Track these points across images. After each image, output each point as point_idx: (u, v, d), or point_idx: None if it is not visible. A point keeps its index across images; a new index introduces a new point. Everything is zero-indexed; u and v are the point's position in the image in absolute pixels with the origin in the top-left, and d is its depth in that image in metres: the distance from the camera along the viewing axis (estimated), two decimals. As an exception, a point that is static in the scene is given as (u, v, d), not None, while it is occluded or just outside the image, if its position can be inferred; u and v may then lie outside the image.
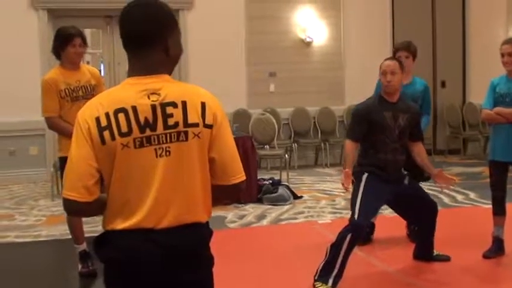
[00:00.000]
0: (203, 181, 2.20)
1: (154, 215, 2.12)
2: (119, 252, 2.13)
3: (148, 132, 2.11)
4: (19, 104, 9.22)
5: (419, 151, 4.99)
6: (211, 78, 9.46)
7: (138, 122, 2.11)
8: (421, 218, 5.08)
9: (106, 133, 2.09)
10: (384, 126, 4.77)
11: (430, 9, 11.88)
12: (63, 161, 5.00)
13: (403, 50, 5.72)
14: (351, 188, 4.76)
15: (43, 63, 9.33)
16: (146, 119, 2.11)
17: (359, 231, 4.65)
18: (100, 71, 10.15)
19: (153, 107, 2.12)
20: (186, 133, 2.14)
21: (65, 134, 4.92)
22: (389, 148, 4.79)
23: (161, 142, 2.12)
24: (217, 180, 2.23)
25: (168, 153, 2.12)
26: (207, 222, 2.26)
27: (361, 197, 4.70)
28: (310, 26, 11.01)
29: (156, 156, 2.12)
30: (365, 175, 4.79)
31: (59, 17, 9.70)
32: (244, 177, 2.27)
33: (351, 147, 4.92)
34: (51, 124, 5.01)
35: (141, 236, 2.11)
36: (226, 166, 2.22)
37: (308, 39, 11.03)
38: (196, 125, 2.15)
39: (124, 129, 2.09)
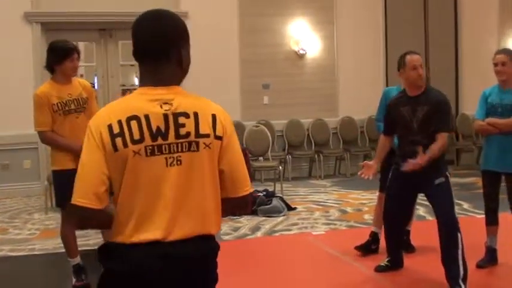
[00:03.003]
0: (214, 192, 2.19)
1: (165, 227, 2.10)
2: (127, 265, 2.09)
3: (159, 140, 2.10)
4: (12, 117, 9.22)
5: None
6: (205, 91, 9.39)
7: (150, 130, 2.10)
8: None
9: (118, 140, 2.08)
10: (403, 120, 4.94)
11: (423, 21, 11.94)
12: (56, 174, 5.00)
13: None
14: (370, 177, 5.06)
15: (36, 76, 9.33)
16: (158, 128, 2.11)
17: (385, 222, 5.23)
18: (93, 84, 10.17)
19: (166, 116, 2.12)
20: (197, 143, 2.14)
21: (59, 147, 4.93)
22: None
23: (172, 151, 2.11)
24: (226, 193, 2.23)
25: (179, 162, 2.12)
26: (214, 236, 2.24)
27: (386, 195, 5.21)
28: (304, 38, 11.05)
29: (167, 166, 2.11)
30: (390, 173, 5.10)
31: (52, 30, 9.70)
32: (252, 189, 2.28)
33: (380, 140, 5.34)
34: (44, 138, 5.00)
35: (150, 250, 2.08)
36: (235, 178, 2.23)
37: (301, 52, 11.08)
38: (207, 135, 2.15)
39: (136, 136, 2.08)
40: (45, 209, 8.33)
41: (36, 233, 7.31)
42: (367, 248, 5.82)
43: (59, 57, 4.94)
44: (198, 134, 2.14)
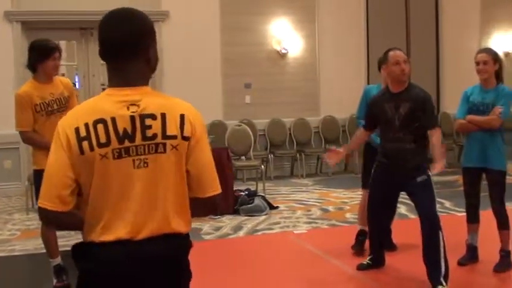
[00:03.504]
0: (181, 193, 2.19)
1: (133, 226, 2.11)
2: (98, 264, 2.12)
3: (127, 143, 2.11)
4: (-7, 117, 9.13)
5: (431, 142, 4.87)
6: (187, 90, 9.46)
7: (117, 132, 2.10)
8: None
9: (85, 143, 2.08)
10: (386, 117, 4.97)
11: (404, 20, 12.00)
12: (37, 174, 4.97)
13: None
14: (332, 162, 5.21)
15: (17, 76, 9.25)
16: (125, 130, 2.11)
17: (369, 220, 5.25)
18: (75, 83, 10.11)
19: (132, 118, 2.12)
20: (164, 145, 2.13)
21: (41, 147, 4.88)
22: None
23: (139, 153, 2.12)
24: (193, 193, 2.23)
25: (146, 164, 2.12)
26: (187, 234, 2.25)
27: (369, 192, 5.22)
28: (286, 37, 11.06)
29: (134, 167, 2.11)
30: (373, 171, 5.12)
31: (33, 29, 9.62)
32: (219, 191, 2.26)
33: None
34: (26, 138, 4.97)
35: (119, 248, 2.10)
36: (201, 179, 2.22)
37: (283, 51, 11.09)
38: (174, 137, 2.14)
39: (103, 140, 2.09)
40: (26, 210, 8.27)
41: (17, 233, 7.25)
42: (361, 247, 5.80)
43: (40, 56, 4.91)
44: (164, 136, 2.14)
